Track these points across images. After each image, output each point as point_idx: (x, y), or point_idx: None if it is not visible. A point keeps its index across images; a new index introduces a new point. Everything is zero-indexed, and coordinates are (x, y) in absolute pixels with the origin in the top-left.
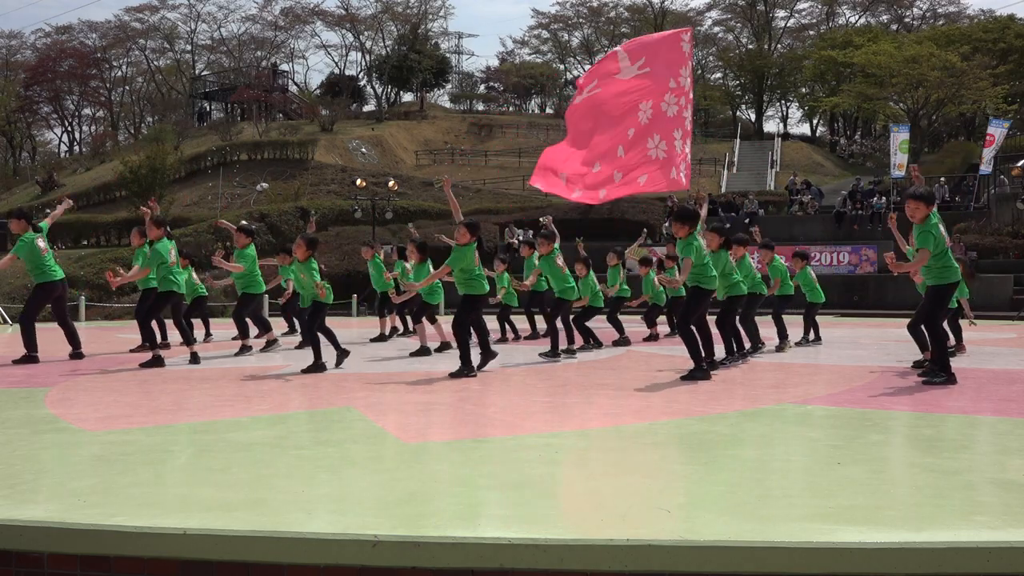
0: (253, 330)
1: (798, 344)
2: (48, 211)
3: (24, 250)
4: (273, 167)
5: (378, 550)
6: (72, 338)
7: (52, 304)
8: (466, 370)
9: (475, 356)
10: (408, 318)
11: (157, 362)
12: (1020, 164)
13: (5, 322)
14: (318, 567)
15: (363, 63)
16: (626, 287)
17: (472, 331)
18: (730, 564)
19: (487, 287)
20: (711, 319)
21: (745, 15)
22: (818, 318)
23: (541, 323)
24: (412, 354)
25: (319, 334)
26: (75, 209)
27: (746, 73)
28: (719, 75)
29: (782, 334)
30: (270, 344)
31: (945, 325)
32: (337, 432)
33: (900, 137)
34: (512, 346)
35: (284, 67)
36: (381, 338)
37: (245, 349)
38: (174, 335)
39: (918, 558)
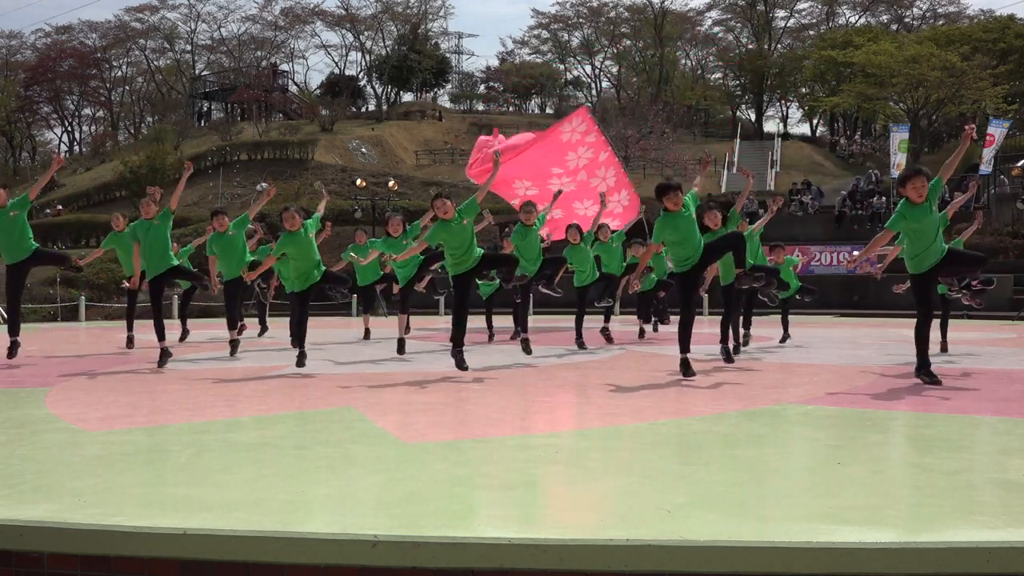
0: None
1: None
2: (47, 211)
3: (13, 224)
4: (273, 167)
5: (378, 550)
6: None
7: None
8: (459, 359)
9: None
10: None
11: (165, 355)
12: (1020, 164)
13: (4, 322)
14: (318, 567)
15: (363, 63)
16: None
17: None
18: (730, 564)
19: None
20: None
21: (745, 15)
22: (818, 317)
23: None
24: (399, 351)
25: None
26: (75, 209)
27: (746, 73)
28: (719, 75)
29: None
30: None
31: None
32: (337, 432)
33: (900, 137)
34: (513, 346)
35: (284, 67)
36: (367, 334)
37: (235, 344)
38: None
39: (918, 558)
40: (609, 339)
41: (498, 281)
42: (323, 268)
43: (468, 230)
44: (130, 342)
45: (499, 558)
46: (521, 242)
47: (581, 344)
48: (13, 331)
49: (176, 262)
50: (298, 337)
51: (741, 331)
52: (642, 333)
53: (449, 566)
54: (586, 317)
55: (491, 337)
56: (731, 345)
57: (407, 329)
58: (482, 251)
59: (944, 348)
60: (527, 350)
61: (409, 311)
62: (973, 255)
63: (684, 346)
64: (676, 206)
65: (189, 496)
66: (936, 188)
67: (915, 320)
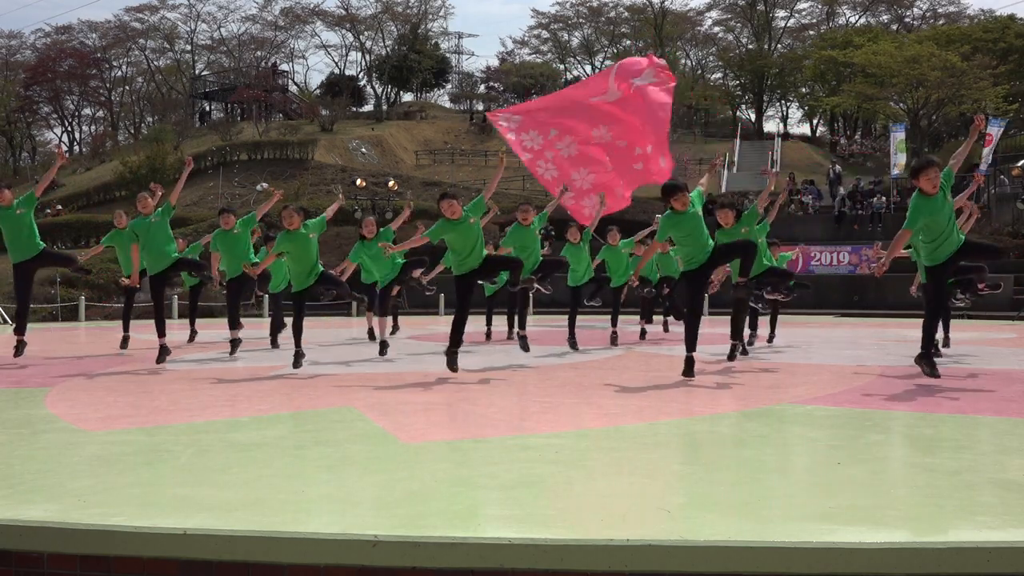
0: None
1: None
2: (47, 211)
3: (20, 222)
4: (273, 167)
5: (378, 550)
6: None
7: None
8: (450, 359)
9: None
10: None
11: (163, 351)
12: (1020, 164)
13: (5, 322)
14: (318, 567)
15: (363, 63)
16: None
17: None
18: (730, 564)
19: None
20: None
21: (745, 15)
22: (818, 317)
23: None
24: (381, 353)
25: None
26: (75, 209)
27: (746, 73)
28: (719, 75)
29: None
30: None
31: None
32: (337, 432)
33: (899, 136)
34: (512, 345)
35: (284, 67)
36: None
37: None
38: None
39: (918, 558)
40: (615, 343)
41: (502, 281)
42: (321, 269)
43: (475, 229)
44: (125, 342)
45: (499, 558)
46: (517, 243)
47: (573, 343)
48: (20, 330)
49: (176, 255)
50: (295, 337)
51: (747, 331)
52: (643, 334)
53: (449, 566)
54: (583, 318)
55: (488, 336)
56: (738, 344)
57: (393, 331)
58: (486, 253)
59: (946, 344)
60: (525, 347)
61: (389, 313)
62: (988, 245)
63: (691, 345)
64: (683, 206)
65: (189, 496)
66: (948, 178)
67: (923, 315)
